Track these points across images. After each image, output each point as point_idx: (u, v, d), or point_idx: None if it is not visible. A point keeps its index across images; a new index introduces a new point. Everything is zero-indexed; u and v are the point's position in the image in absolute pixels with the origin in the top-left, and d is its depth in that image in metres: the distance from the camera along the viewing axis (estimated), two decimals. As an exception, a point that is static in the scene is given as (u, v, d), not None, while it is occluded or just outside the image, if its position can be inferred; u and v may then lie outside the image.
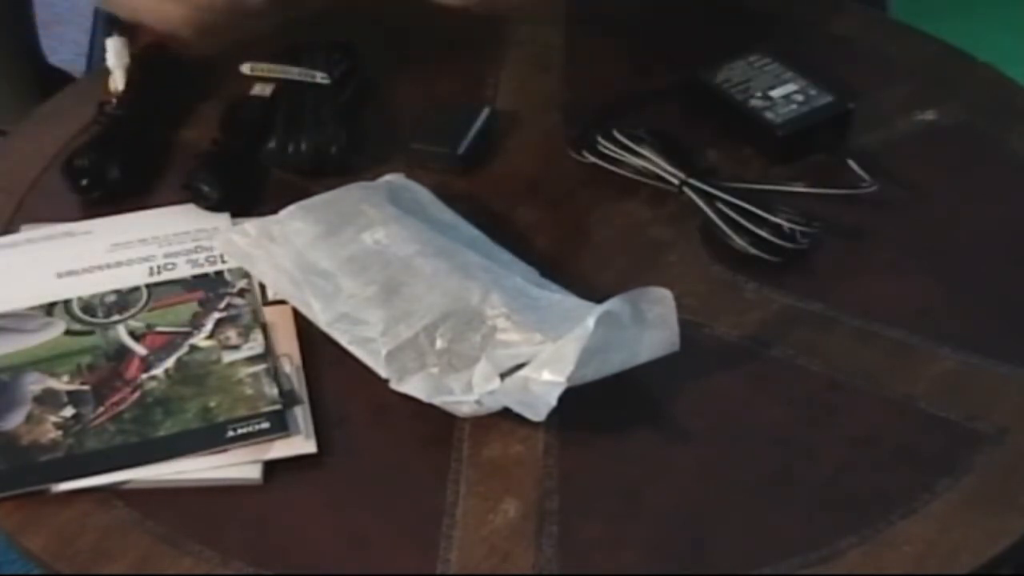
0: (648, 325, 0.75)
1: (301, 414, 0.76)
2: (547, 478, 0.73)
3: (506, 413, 0.74)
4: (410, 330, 0.76)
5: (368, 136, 0.95)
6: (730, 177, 0.89)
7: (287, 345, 0.80)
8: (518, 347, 0.74)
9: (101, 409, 0.76)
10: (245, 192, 0.90)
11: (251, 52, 0.98)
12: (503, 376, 0.74)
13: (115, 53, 0.96)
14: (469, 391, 0.74)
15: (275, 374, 0.78)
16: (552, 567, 0.69)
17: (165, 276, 0.84)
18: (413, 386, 0.75)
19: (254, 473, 0.73)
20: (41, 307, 0.82)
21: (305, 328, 0.81)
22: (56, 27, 1.68)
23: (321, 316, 0.79)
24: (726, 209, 0.85)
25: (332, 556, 0.70)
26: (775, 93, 0.93)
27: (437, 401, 0.74)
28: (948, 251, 0.87)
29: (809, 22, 1.06)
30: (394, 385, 0.75)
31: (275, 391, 0.77)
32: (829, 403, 0.77)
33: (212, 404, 0.76)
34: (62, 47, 1.67)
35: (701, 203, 0.86)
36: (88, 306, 0.82)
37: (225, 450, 0.74)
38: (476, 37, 1.05)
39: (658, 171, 0.89)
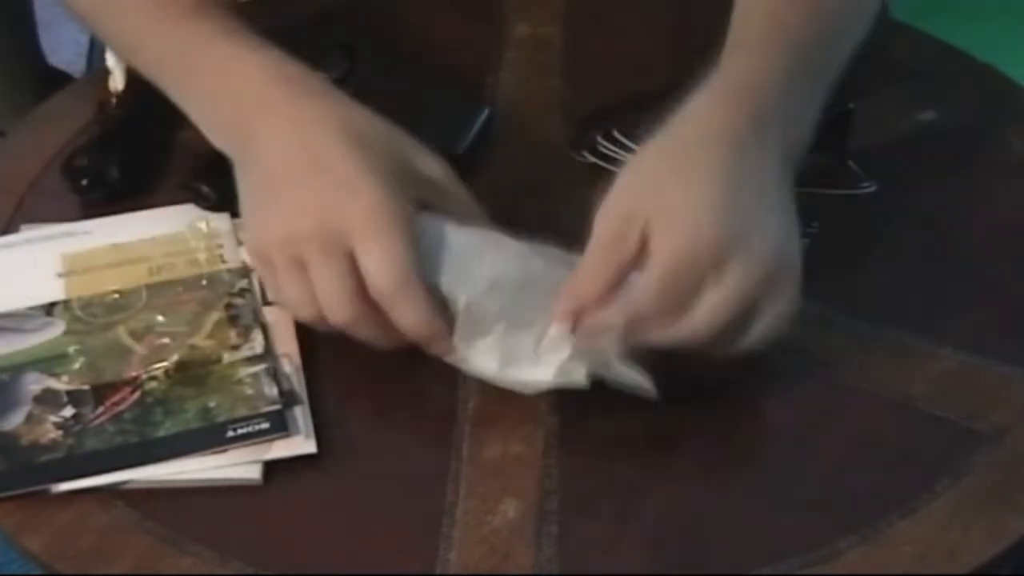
0: None
1: (301, 414, 0.76)
2: (547, 478, 0.73)
3: (506, 414, 0.75)
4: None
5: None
6: (730, 177, 0.89)
7: (287, 345, 0.80)
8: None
9: (101, 409, 0.76)
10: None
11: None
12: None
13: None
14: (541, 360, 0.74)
15: (275, 374, 0.78)
16: (552, 567, 0.69)
17: (165, 276, 0.84)
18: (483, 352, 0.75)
19: (254, 473, 0.73)
20: (41, 307, 0.82)
21: (305, 328, 0.81)
22: (56, 27, 1.68)
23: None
24: (726, 209, 0.85)
25: (332, 556, 0.70)
26: (775, 93, 0.93)
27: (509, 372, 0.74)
28: (948, 251, 0.87)
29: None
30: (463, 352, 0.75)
31: (275, 391, 0.77)
32: (829, 403, 0.77)
33: (212, 404, 0.76)
34: (62, 47, 1.67)
35: (701, 203, 0.86)
36: (88, 306, 0.82)
37: (225, 450, 0.74)
38: (476, 37, 1.06)
39: (658, 171, 0.89)
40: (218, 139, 0.82)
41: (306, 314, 0.77)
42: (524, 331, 0.75)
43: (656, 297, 0.72)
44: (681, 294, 0.72)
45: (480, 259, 0.78)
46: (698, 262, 0.72)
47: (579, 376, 0.73)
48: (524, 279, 0.77)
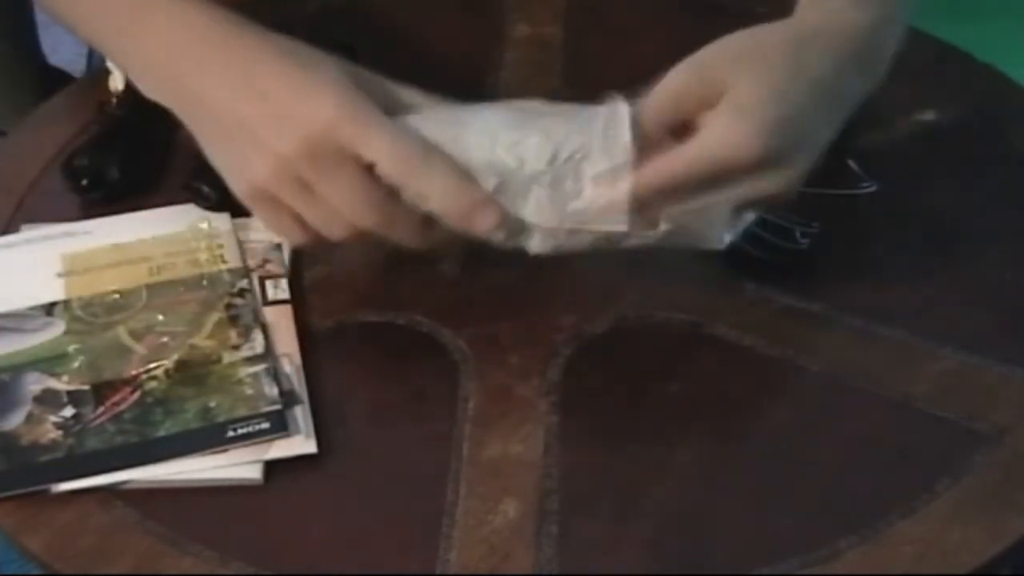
0: None
1: (301, 414, 0.76)
2: (547, 478, 0.73)
3: (506, 414, 0.75)
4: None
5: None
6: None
7: (287, 345, 0.80)
8: None
9: (101, 409, 0.76)
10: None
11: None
12: None
13: (115, 53, 0.96)
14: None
15: (275, 374, 0.78)
16: (552, 567, 0.69)
17: (165, 276, 0.84)
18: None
19: (254, 473, 0.73)
20: (41, 307, 0.82)
21: (305, 328, 0.81)
22: (56, 27, 1.68)
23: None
24: (726, 209, 0.85)
25: (332, 556, 0.70)
26: (775, 93, 0.93)
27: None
28: (948, 251, 0.87)
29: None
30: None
31: (275, 391, 0.77)
32: (829, 403, 0.77)
33: (212, 404, 0.76)
34: (62, 47, 1.67)
35: (701, 203, 0.86)
36: (88, 306, 0.82)
37: (225, 450, 0.74)
38: (476, 37, 1.05)
39: (658, 171, 0.88)
40: (158, 97, 0.81)
41: (338, 233, 0.76)
42: (561, 172, 0.75)
43: (686, 174, 0.73)
44: (708, 179, 0.73)
45: (472, 128, 0.76)
46: (736, 164, 0.73)
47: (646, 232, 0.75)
48: (523, 122, 0.76)
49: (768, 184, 0.75)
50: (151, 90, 0.81)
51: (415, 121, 0.76)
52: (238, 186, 0.78)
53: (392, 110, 0.77)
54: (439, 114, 0.77)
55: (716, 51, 0.76)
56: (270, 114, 0.75)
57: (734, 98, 0.73)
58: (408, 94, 0.79)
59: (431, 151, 0.74)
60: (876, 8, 0.79)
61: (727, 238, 0.77)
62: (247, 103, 0.75)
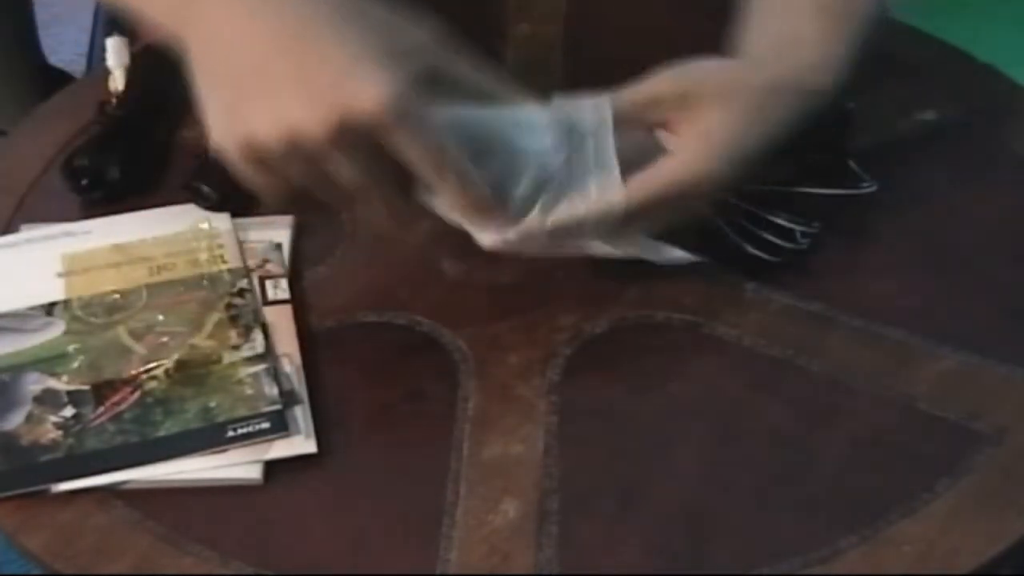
0: None
1: (301, 414, 0.76)
2: (547, 478, 0.73)
3: (506, 414, 0.75)
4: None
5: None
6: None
7: (287, 345, 0.80)
8: None
9: (101, 409, 0.76)
10: (245, 192, 0.90)
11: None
12: None
13: (115, 53, 0.96)
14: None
15: (275, 374, 0.78)
16: (552, 567, 0.69)
17: (165, 276, 0.84)
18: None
19: (254, 473, 0.73)
20: (41, 307, 0.82)
21: (305, 328, 0.81)
22: (56, 27, 1.68)
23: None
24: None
25: (332, 556, 0.70)
26: (775, 93, 0.93)
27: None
28: (948, 251, 0.87)
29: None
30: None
31: (275, 391, 0.77)
32: (829, 403, 0.77)
33: (212, 404, 0.76)
34: (62, 47, 1.67)
35: (701, 203, 0.86)
36: (88, 306, 0.82)
37: (225, 450, 0.74)
38: (476, 36, 1.05)
39: (658, 171, 0.89)
40: (164, 23, 0.74)
41: (329, 198, 0.75)
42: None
43: (658, 195, 0.77)
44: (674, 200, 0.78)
45: (519, 137, 0.78)
46: (697, 191, 0.78)
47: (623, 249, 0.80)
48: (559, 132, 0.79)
49: (699, 208, 0.81)
50: (158, 14, 0.74)
51: (465, 115, 0.76)
52: (227, 134, 0.72)
53: (454, 92, 0.76)
54: (492, 114, 0.78)
55: (702, 75, 0.80)
56: (295, 77, 0.69)
57: (707, 132, 0.78)
58: (485, 80, 0.79)
59: (466, 164, 0.74)
60: (843, 65, 0.83)
61: (674, 255, 0.81)
62: (267, 51, 0.69)
